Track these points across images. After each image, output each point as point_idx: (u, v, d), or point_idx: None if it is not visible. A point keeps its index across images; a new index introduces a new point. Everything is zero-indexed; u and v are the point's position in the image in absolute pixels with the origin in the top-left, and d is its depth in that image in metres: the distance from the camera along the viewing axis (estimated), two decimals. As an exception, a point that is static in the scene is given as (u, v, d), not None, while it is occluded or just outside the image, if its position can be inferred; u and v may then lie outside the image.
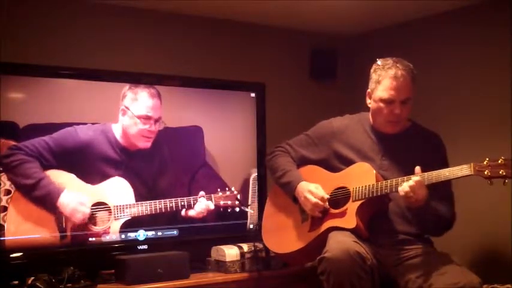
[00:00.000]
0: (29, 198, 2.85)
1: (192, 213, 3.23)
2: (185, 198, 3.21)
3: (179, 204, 3.19)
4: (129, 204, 3.09)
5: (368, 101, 2.75)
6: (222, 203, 3.31)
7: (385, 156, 2.72)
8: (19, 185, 2.84)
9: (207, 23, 3.57)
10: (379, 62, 2.69)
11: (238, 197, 3.35)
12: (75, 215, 2.95)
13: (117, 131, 3.08)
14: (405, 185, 2.45)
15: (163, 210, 3.15)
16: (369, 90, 2.73)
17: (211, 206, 3.28)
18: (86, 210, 2.98)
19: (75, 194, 2.95)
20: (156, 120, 3.15)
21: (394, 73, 2.61)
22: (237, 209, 3.36)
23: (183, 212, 3.21)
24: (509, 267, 2.98)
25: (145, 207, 3.12)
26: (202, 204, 3.25)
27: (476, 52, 3.32)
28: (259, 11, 3.46)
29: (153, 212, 3.13)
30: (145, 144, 3.13)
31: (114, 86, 3.10)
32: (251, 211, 3.42)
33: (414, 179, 2.44)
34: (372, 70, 2.71)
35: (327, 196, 2.69)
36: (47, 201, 2.89)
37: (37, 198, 2.87)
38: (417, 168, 2.47)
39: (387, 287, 2.58)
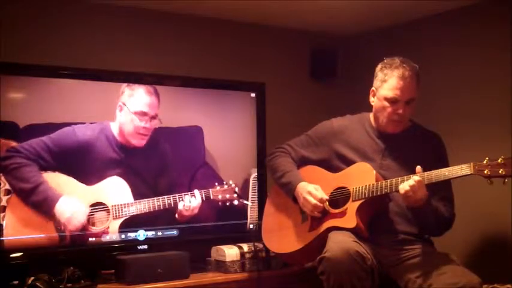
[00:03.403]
0: (26, 203, 2.84)
1: (188, 208, 3.22)
2: (183, 194, 3.20)
3: (177, 201, 3.18)
4: (128, 203, 3.08)
5: (371, 99, 2.75)
6: (220, 197, 3.30)
7: (385, 156, 2.72)
8: (17, 188, 2.84)
9: (207, 23, 3.57)
10: (386, 60, 2.69)
11: (236, 189, 3.35)
12: (72, 222, 2.94)
13: (115, 129, 3.08)
14: (405, 184, 2.45)
15: (161, 208, 3.14)
16: (373, 88, 2.73)
17: (201, 199, 3.24)
18: (83, 216, 2.97)
19: (72, 201, 2.94)
20: (152, 118, 3.14)
21: (401, 73, 2.61)
22: (236, 202, 3.35)
23: (180, 206, 3.19)
24: (509, 267, 2.98)
25: (144, 205, 3.11)
26: (198, 199, 3.24)
27: (476, 52, 3.32)
28: (259, 11, 3.46)
29: (151, 210, 3.12)
30: (139, 142, 3.12)
31: (114, 86, 3.10)
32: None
33: (415, 178, 2.44)
34: (378, 68, 2.71)
35: (326, 197, 2.69)
36: (44, 206, 2.88)
37: (34, 203, 2.86)
38: (418, 168, 2.47)
39: (387, 287, 2.58)
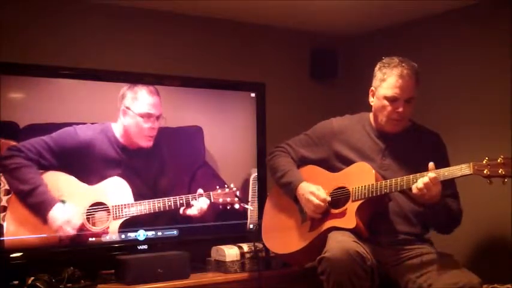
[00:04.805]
0: (23, 203, 2.84)
1: (190, 211, 3.22)
2: (183, 196, 3.20)
3: (177, 203, 3.19)
4: (128, 204, 3.08)
5: (371, 98, 2.75)
6: (221, 200, 3.30)
7: (385, 155, 2.72)
8: (15, 189, 2.83)
9: (207, 23, 3.57)
10: (384, 60, 2.69)
11: (237, 193, 3.35)
12: (64, 230, 2.93)
13: (117, 130, 3.08)
14: (419, 182, 2.43)
15: (161, 209, 3.14)
16: (372, 88, 2.73)
17: (207, 202, 3.26)
18: (76, 225, 2.96)
19: (66, 208, 2.93)
20: (157, 118, 3.15)
21: (400, 72, 2.62)
22: (237, 206, 3.35)
23: (181, 211, 3.20)
24: (509, 267, 2.98)
25: (144, 206, 3.11)
26: (200, 202, 3.24)
27: (476, 52, 3.32)
28: (259, 11, 3.46)
29: (152, 211, 3.13)
30: (147, 143, 3.13)
31: (114, 86, 3.10)
32: (251, 208, 3.42)
33: (430, 175, 2.41)
34: (376, 68, 2.71)
35: (328, 198, 2.69)
36: (40, 210, 2.88)
37: (31, 205, 2.86)
38: (431, 165, 2.44)
39: (387, 287, 2.58)
